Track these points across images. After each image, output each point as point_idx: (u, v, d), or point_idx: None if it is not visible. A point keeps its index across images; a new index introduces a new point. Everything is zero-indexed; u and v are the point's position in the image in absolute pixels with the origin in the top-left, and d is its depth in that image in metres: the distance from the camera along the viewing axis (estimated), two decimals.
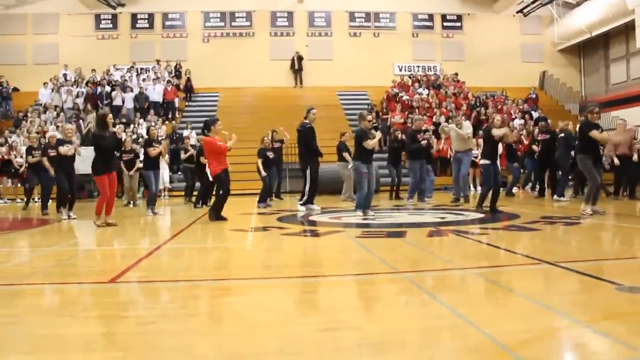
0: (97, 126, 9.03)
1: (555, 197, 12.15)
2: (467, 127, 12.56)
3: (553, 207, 10.93)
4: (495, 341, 2.71)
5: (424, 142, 12.36)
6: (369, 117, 9.52)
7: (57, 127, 17.98)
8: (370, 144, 9.09)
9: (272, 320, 3.25)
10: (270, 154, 13.07)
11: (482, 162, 9.74)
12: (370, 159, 9.34)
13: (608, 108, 22.41)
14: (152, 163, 11.41)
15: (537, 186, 14.02)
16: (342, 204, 12.42)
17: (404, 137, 13.82)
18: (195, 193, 13.81)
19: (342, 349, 2.75)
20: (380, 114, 22.58)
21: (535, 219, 8.31)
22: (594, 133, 8.46)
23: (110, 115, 9.24)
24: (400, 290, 4.06)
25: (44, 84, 23.00)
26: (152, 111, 22.00)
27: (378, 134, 9.44)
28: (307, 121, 10.88)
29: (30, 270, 5.19)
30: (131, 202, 14.06)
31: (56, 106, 21.79)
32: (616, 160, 12.21)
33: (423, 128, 13.61)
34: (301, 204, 10.86)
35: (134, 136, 17.54)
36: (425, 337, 2.94)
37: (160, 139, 17.28)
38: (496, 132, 9.50)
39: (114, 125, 9.83)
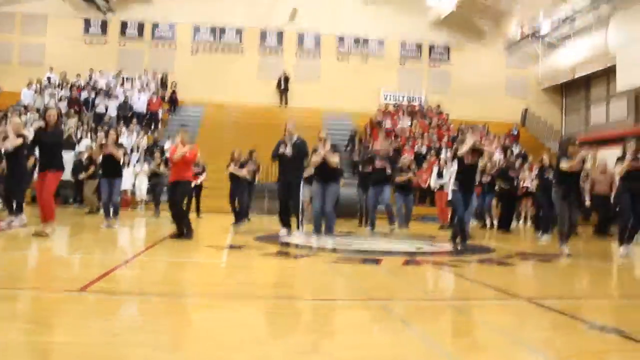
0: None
1: (539, 235, 11.55)
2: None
3: (530, 243, 11.01)
4: None
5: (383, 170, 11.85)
6: (320, 135, 9.49)
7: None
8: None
9: (240, 340, 3.20)
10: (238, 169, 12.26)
11: (451, 188, 9.00)
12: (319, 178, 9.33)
13: (587, 148, 22.74)
14: (108, 170, 10.29)
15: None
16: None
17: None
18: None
19: None
20: (363, 140, 22.70)
21: (510, 254, 8.35)
22: (562, 164, 8.28)
23: (50, 112, 8.43)
24: (374, 317, 4.04)
25: (28, 84, 22.77)
26: (134, 120, 21.90)
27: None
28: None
29: None
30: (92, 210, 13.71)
31: (38, 109, 21.57)
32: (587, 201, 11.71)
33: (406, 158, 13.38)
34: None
35: None
36: None
37: (141, 149, 17.02)
38: (463, 148, 8.55)
39: (57, 123, 8.80)
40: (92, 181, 13.86)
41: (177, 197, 8.78)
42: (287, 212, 9.85)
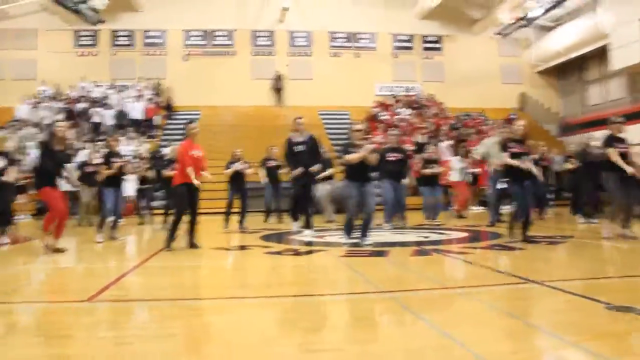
0: (48, 137, 8.08)
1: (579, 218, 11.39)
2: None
3: (536, 226, 10.93)
4: None
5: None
6: (357, 127, 8.35)
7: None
8: (349, 157, 7.68)
9: (252, 341, 3.15)
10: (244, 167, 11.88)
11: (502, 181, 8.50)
12: (359, 177, 7.81)
13: (585, 129, 22.71)
14: (111, 179, 9.71)
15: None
16: (327, 223, 12.33)
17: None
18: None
19: None
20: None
21: (518, 238, 8.25)
22: (610, 151, 7.85)
23: (59, 124, 8.13)
24: (385, 310, 3.99)
25: (22, 99, 22.71)
26: (128, 129, 21.90)
27: (368, 147, 7.91)
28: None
29: (2, 289, 5.02)
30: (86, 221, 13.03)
31: (36, 123, 21.50)
32: None
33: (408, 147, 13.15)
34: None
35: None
36: (411, 358, 2.85)
37: (141, 156, 16.79)
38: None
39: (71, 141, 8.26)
40: (89, 190, 13.33)
41: (197, 200, 8.09)
42: (302, 208, 9.85)
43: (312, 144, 9.73)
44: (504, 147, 7.98)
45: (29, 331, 3.53)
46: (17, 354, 2.93)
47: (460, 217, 13.70)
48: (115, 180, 9.73)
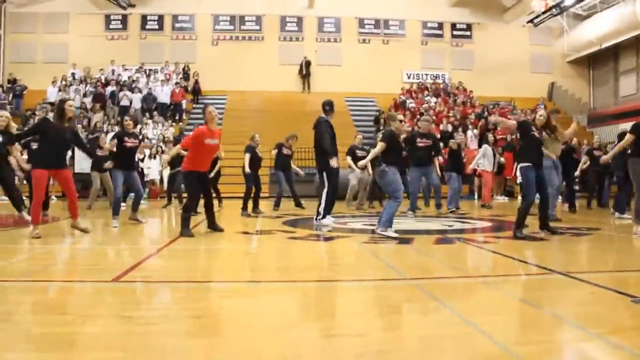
0: (55, 114, 7.36)
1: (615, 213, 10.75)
2: None
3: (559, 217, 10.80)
4: (508, 351, 2.63)
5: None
6: (400, 117, 8.13)
7: None
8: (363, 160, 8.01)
9: (274, 325, 3.17)
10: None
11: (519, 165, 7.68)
12: (398, 163, 7.71)
13: (617, 120, 22.32)
14: (124, 161, 9.18)
15: None
16: (348, 210, 12.34)
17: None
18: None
19: (344, 356, 2.66)
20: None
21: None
22: (627, 137, 7.55)
23: (70, 103, 7.45)
24: (408, 296, 3.97)
25: (53, 82, 23.08)
26: (155, 112, 22.10)
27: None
28: (323, 115, 9.30)
29: (30, 268, 5.13)
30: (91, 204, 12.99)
31: None
32: None
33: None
34: (320, 218, 9.07)
35: (140, 136, 17.44)
36: (433, 345, 2.84)
37: (166, 139, 16.87)
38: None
39: (75, 117, 7.68)
40: (99, 175, 13.31)
41: (209, 186, 8.15)
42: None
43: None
44: (524, 129, 7.46)
45: (56, 309, 3.60)
46: (45, 331, 2.99)
47: (484, 206, 13.59)
48: (125, 163, 9.23)
